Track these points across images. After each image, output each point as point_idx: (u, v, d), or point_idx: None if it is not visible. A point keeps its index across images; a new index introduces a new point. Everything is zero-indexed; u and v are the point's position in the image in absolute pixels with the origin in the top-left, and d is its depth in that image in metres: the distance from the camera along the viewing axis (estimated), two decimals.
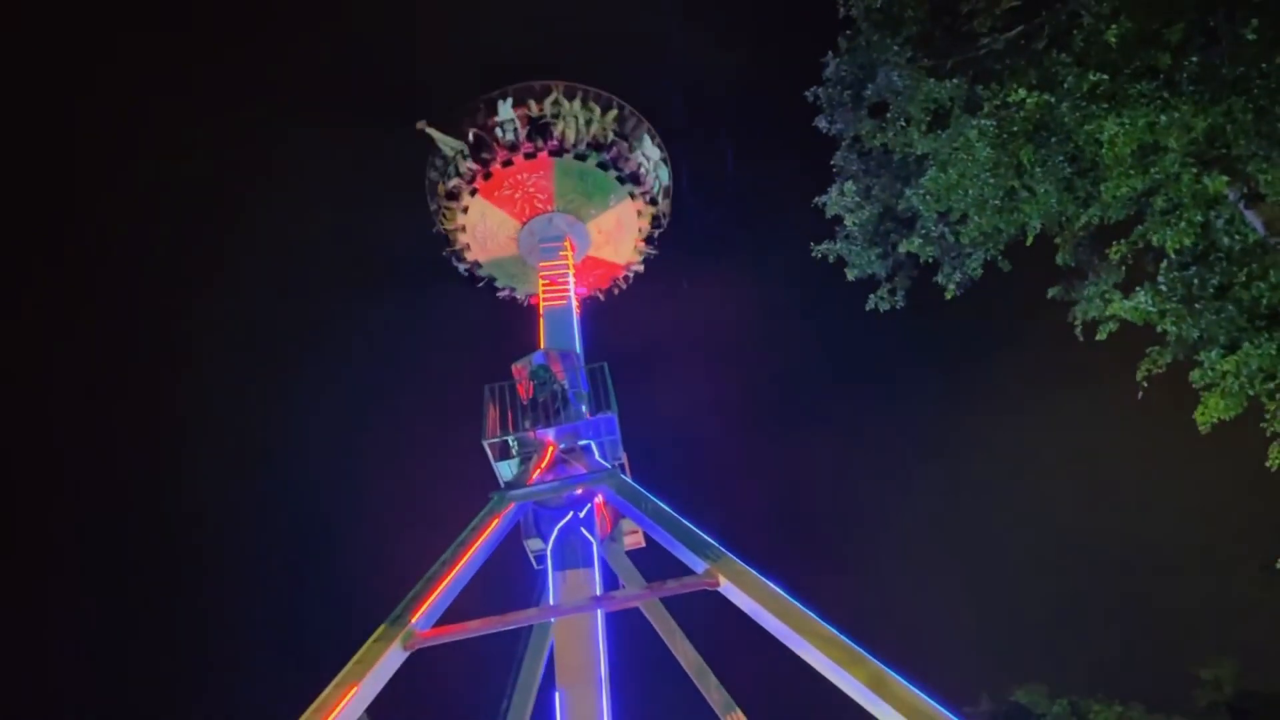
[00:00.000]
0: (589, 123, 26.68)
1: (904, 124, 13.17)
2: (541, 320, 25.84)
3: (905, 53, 13.35)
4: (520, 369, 22.71)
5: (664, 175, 28.40)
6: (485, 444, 20.98)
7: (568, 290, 26.39)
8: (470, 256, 28.63)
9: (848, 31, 14.08)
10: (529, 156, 26.26)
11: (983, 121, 11.48)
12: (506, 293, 30.22)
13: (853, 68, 13.97)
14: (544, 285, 26.61)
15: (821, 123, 14.67)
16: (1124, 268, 13.29)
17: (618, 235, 28.86)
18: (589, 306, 29.01)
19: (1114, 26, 10.46)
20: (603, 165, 26.81)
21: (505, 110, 26.52)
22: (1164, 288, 11.27)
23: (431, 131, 26.46)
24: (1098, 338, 14.04)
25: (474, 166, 26.47)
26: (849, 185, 14.79)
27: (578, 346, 24.70)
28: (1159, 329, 11.61)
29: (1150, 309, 11.30)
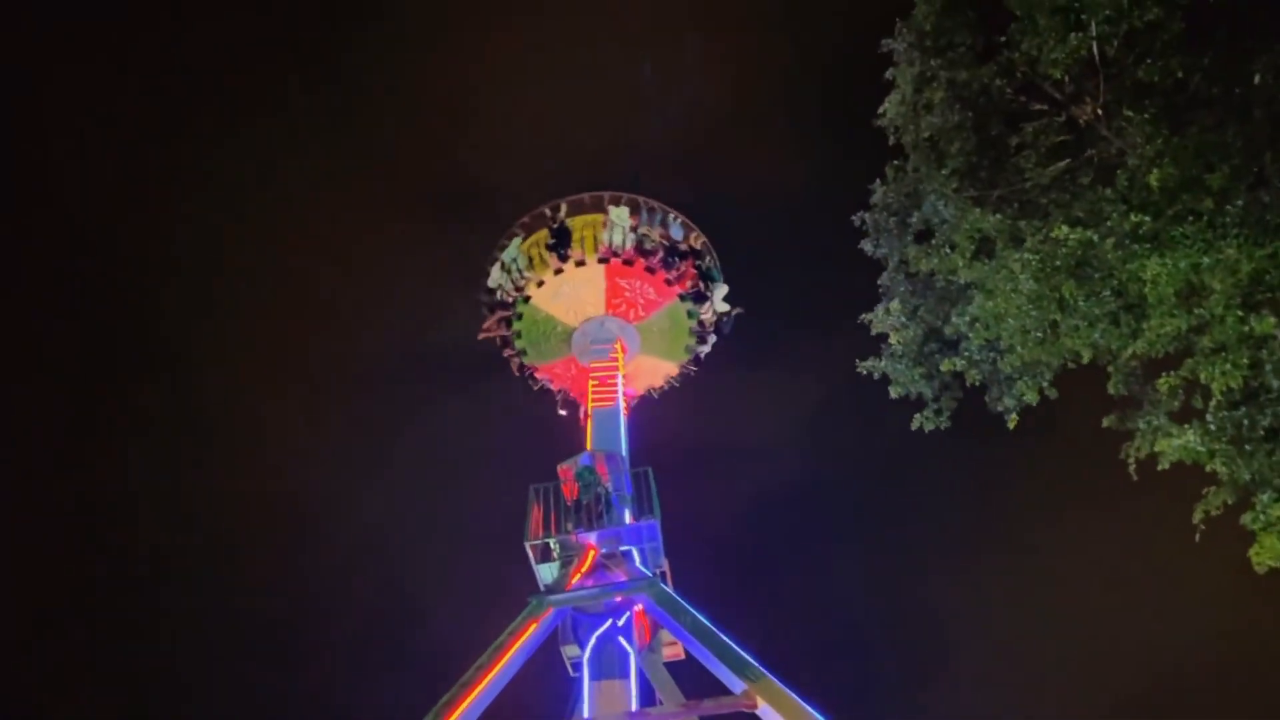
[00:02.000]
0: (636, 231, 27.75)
1: (949, 250, 13.39)
2: (589, 421, 26.16)
3: (951, 183, 13.67)
4: (566, 469, 22.90)
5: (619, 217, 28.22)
6: (527, 545, 21.07)
7: (616, 391, 26.76)
8: (532, 294, 28.43)
9: (895, 161, 14.51)
10: (669, 284, 27.66)
11: (1025, 255, 11.65)
12: (559, 393, 30.67)
13: (899, 195, 14.34)
14: (594, 385, 27.03)
15: (867, 246, 15.00)
16: (1177, 400, 13.12)
17: (643, 379, 29.69)
18: (636, 410, 29.25)
19: (1156, 171, 10.65)
20: (693, 334, 28.69)
21: (678, 231, 27.95)
22: (1213, 427, 11.10)
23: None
24: (1159, 468, 13.74)
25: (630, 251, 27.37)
26: (895, 305, 14.99)
27: (624, 449, 24.86)
28: (1208, 469, 11.39)
29: (1200, 449, 11.12)
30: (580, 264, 27.31)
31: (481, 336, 28.86)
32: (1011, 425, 14.30)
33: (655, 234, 27.80)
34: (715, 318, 29.10)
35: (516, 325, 28.29)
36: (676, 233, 28.05)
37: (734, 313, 29.00)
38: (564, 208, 27.65)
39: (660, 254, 27.50)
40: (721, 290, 28.55)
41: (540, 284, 27.71)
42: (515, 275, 27.56)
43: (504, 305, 28.09)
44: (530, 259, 27.72)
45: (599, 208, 27.80)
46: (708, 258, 28.96)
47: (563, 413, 29.89)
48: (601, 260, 27.35)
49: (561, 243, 27.13)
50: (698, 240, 28.86)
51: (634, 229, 27.50)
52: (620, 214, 27.44)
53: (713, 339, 29.69)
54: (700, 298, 28.41)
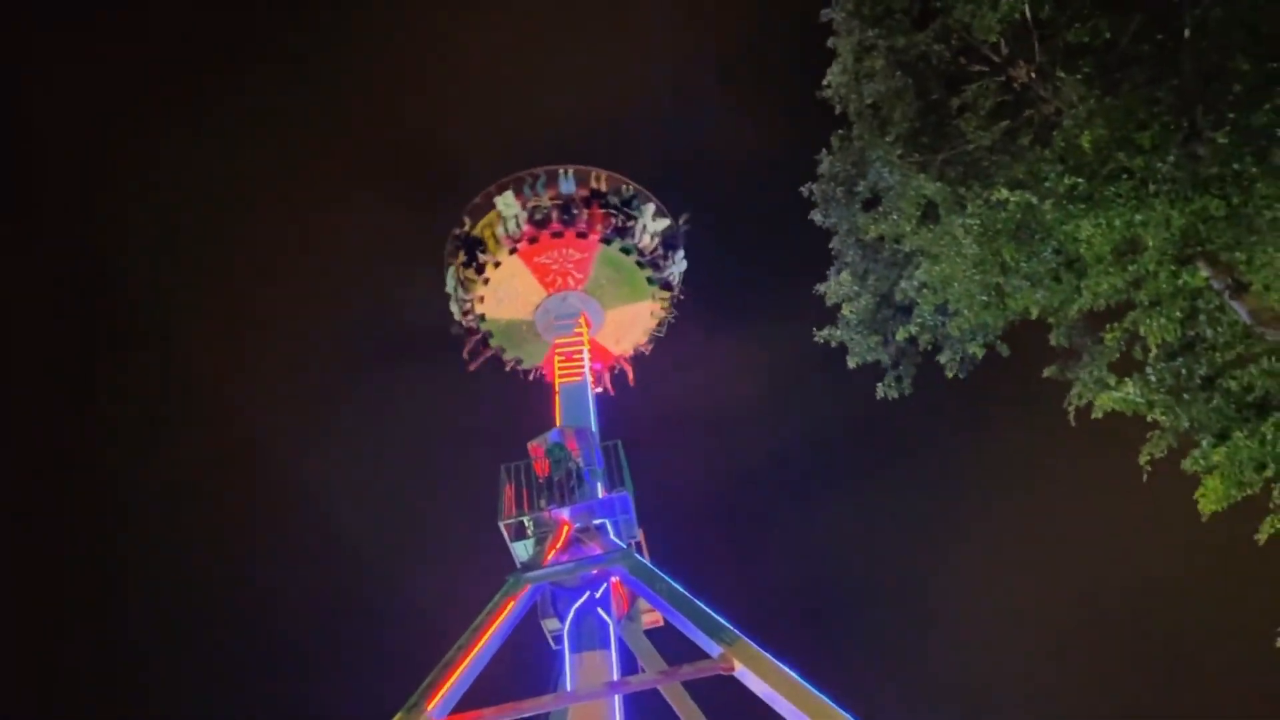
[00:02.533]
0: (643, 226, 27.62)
1: (895, 217, 13.63)
2: (557, 397, 26.31)
3: (896, 149, 13.87)
4: (537, 447, 23.06)
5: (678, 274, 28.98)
6: (501, 524, 21.29)
7: (583, 367, 26.89)
8: (482, 310, 28.69)
9: (839, 131, 14.66)
10: (581, 236, 27.10)
11: (967, 220, 11.90)
12: (513, 363, 30.74)
13: (845, 164, 14.51)
14: (560, 361, 27.14)
15: (817, 216, 15.19)
16: (1118, 351, 13.56)
17: (629, 330, 29.72)
18: (600, 382, 29.41)
19: (1088, 132, 10.90)
20: (644, 265, 27.91)
21: (568, 185, 27.46)
22: (1153, 378, 11.50)
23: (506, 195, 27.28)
24: (1093, 416, 14.25)
25: (529, 229, 27.12)
26: (845, 275, 15.24)
27: (593, 423, 25.06)
28: (1149, 418, 11.82)
29: (1139, 400, 11.54)
30: (497, 265, 27.38)
31: (473, 368, 29.16)
32: (950, 375, 14.79)
33: (545, 199, 27.41)
34: (657, 238, 28.34)
35: (494, 342, 28.51)
36: (567, 187, 27.44)
37: (682, 221, 28.55)
38: (466, 221, 27.69)
39: (554, 215, 27.16)
40: (649, 209, 27.85)
41: (482, 299, 27.94)
42: (461, 300, 27.81)
43: (471, 331, 28.21)
44: (461, 280, 27.92)
45: (489, 203, 27.62)
46: (615, 192, 28.02)
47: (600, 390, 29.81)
48: (511, 251, 27.39)
49: (472, 253, 27.23)
50: (600, 180, 27.92)
51: (524, 207, 27.31)
52: (506, 200, 27.16)
53: (676, 259, 28.99)
54: (623, 232, 27.72)
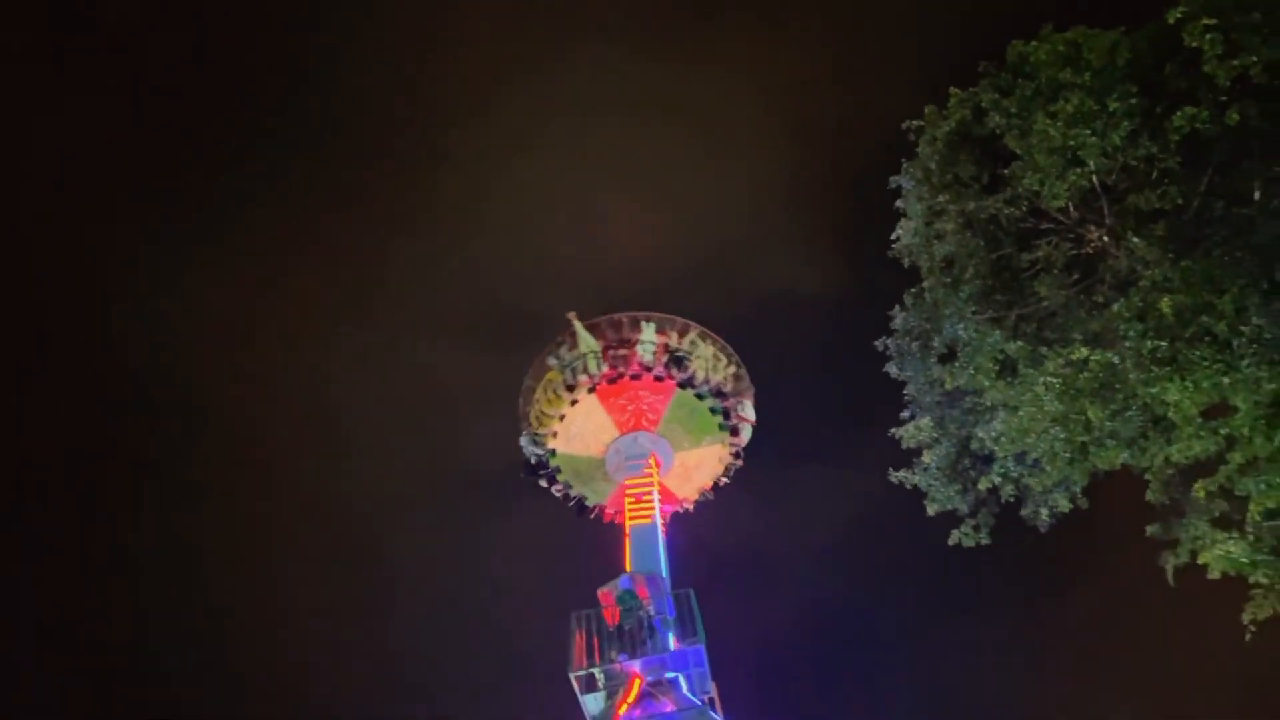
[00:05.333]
0: (714, 369, 28.42)
1: (973, 371, 13.72)
2: (627, 539, 26.13)
3: (969, 306, 14.10)
4: (607, 594, 22.77)
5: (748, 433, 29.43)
6: (572, 676, 20.84)
7: (653, 506, 26.78)
8: (553, 444, 29.36)
9: (912, 289, 15.01)
10: (659, 379, 27.84)
11: (1048, 379, 11.95)
12: (575, 500, 30.81)
13: (919, 319, 14.78)
14: (630, 503, 27.10)
15: (892, 369, 15.37)
16: (1215, 507, 13.13)
17: (696, 473, 29.84)
18: (671, 527, 29.25)
19: (1167, 297, 11.00)
20: (715, 410, 28.32)
21: (649, 333, 28.39)
22: (1253, 538, 11.14)
23: (577, 324, 28.19)
24: (1210, 576, 13.60)
25: (606, 369, 27.90)
26: (925, 420, 15.24)
27: (664, 568, 24.75)
28: (1251, 580, 11.37)
29: (1243, 560, 11.14)
30: (574, 403, 28.04)
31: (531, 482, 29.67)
32: (1042, 529, 14.55)
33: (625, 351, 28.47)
34: (728, 379, 29.03)
35: (561, 478, 28.92)
36: (648, 335, 28.33)
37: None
38: (563, 355, 28.56)
39: (634, 361, 28.06)
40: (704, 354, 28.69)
41: (555, 435, 28.40)
42: (536, 436, 28.46)
43: (543, 467, 28.62)
44: (538, 416, 28.62)
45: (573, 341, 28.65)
46: (684, 340, 28.83)
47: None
48: (590, 390, 27.97)
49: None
50: (678, 333, 28.86)
51: (606, 349, 28.36)
52: (588, 341, 28.28)
53: (745, 408, 29.42)
54: (691, 382, 28.33)
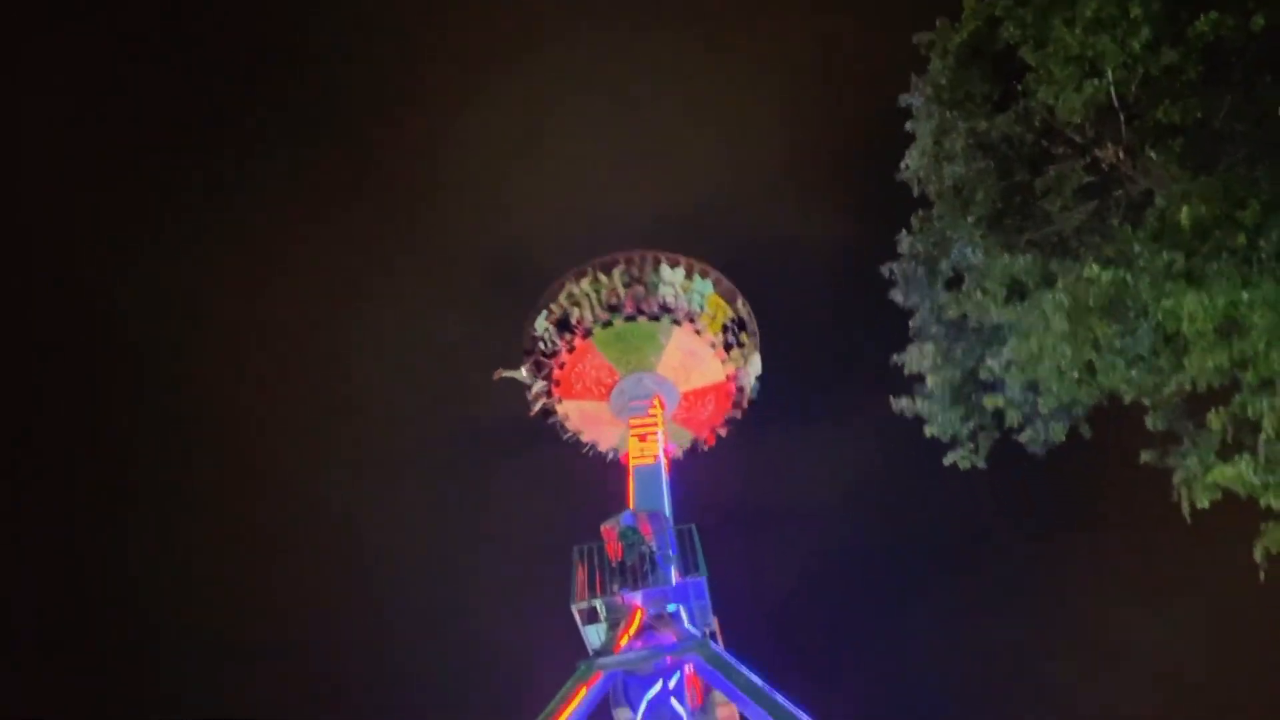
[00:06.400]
0: (598, 292, 28.31)
1: (980, 295, 13.41)
2: (630, 479, 26.20)
3: (979, 230, 13.75)
4: (609, 529, 22.87)
5: (705, 288, 29.12)
6: (573, 608, 21.02)
7: (657, 449, 26.80)
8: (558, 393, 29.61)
9: (920, 211, 14.64)
10: (571, 350, 28.38)
11: (1058, 296, 11.65)
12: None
13: (926, 244, 14.43)
14: (634, 443, 27.13)
15: (897, 296, 15.05)
16: (1224, 435, 12.90)
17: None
18: (677, 467, 29.27)
19: (1186, 208, 10.66)
20: (628, 319, 28.28)
21: (540, 324, 28.94)
22: (1264, 459, 10.91)
23: (509, 374, 29.19)
24: (1199, 505, 13.47)
25: (544, 382, 29.03)
26: (929, 346, 14.93)
27: (667, 507, 24.82)
28: (1263, 503, 11.16)
29: (1254, 480, 10.91)
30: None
31: (535, 412, 29.57)
32: (1031, 452, 14.42)
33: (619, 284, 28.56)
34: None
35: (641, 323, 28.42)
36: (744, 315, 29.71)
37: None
38: (747, 309, 29.77)
39: (739, 416, 30.00)
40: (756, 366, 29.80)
41: (699, 333, 28.46)
42: (694, 304, 28.45)
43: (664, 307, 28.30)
44: (713, 314, 28.78)
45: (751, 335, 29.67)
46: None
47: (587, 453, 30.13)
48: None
49: (734, 337, 29.02)
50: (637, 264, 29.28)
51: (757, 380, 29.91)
52: (758, 365, 29.81)
53: (752, 363, 30.20)
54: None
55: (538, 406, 29.35)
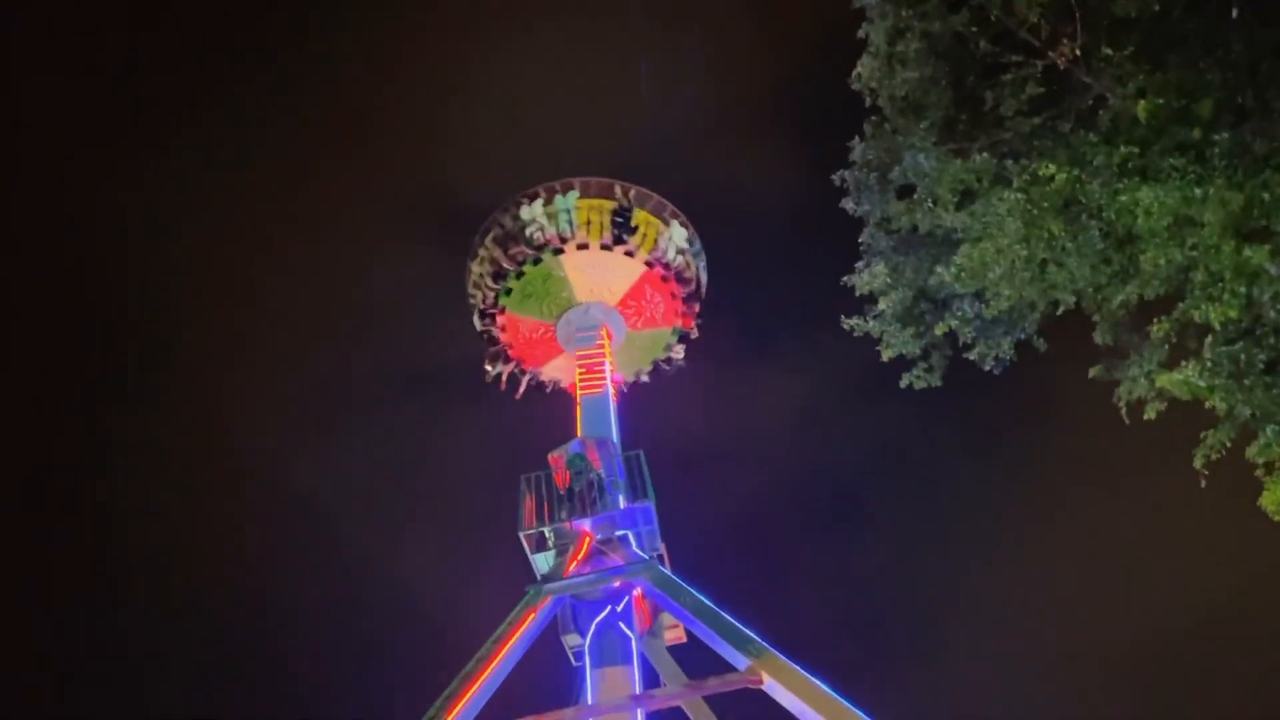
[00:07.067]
0: (484, 264, 27.82)
1: (932, 204, 13.18)
2: (579, 408, 25.85)
3: (930, 136, 13.45)
4: (557, 458, 22.57)
5: (567, 203, 27.48)
6: (521, 535, 20.78)
7: (605, 378, 26.43)
8: (506, 303, 28.52)
9: (873, 117, 14.27)
10: (629, 255, 27.14)
11: (1013, 194, 11.44)
12: (550, 384, 30.31)
13: (879, 151, 14.10)
14: (581, 373, 26.71)
15: (848, 204, 14.77)
16: (1167, 346, 12.97)
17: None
18: (625, 398, 28.89)
19: (1143, 102, 10.45)
20: (518, 275, 27.34)
21: (679, 236, 27.81)
22: (1210, 363, 10.93)
23: (495, 372, 28.81)
24: (1145, 418, 13.61)
25: (512, 363, 28.55)
26: (879, 265, 14.75)
27: (615, 435, 24.56)
28: (1208, 405, 11.22)
29: (1199, 383, 10.93)
30: (537, 262, 27.05)
31: (491, 378, 28.95)
32: (986, 368, 14.35)
33: (695, 268, 28.14)
34: (683, 254, 28.55)
35: (529, 268, 27.24)
36: (703, 275, 28.53)
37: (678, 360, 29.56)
38: (632, 192, 27.48)
39: (691, 287, 28.13)
40: (676, 226, 28.39)
41: (583, 247, 26.90)
42: (560, 224, 26.77)
43: (535, 246, 26.90)
44: (587, 221, 27.03)
45: (660, 214, 27.85)
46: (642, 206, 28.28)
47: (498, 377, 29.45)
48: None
49: (624, 225, 26.92)
50: (628, 195, 28.05)
51: (681, 252, 27.78)
52: (680, 234, 27.76)
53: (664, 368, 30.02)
54: (684, 338, 29.08)
55: (523, 388, 29.29)
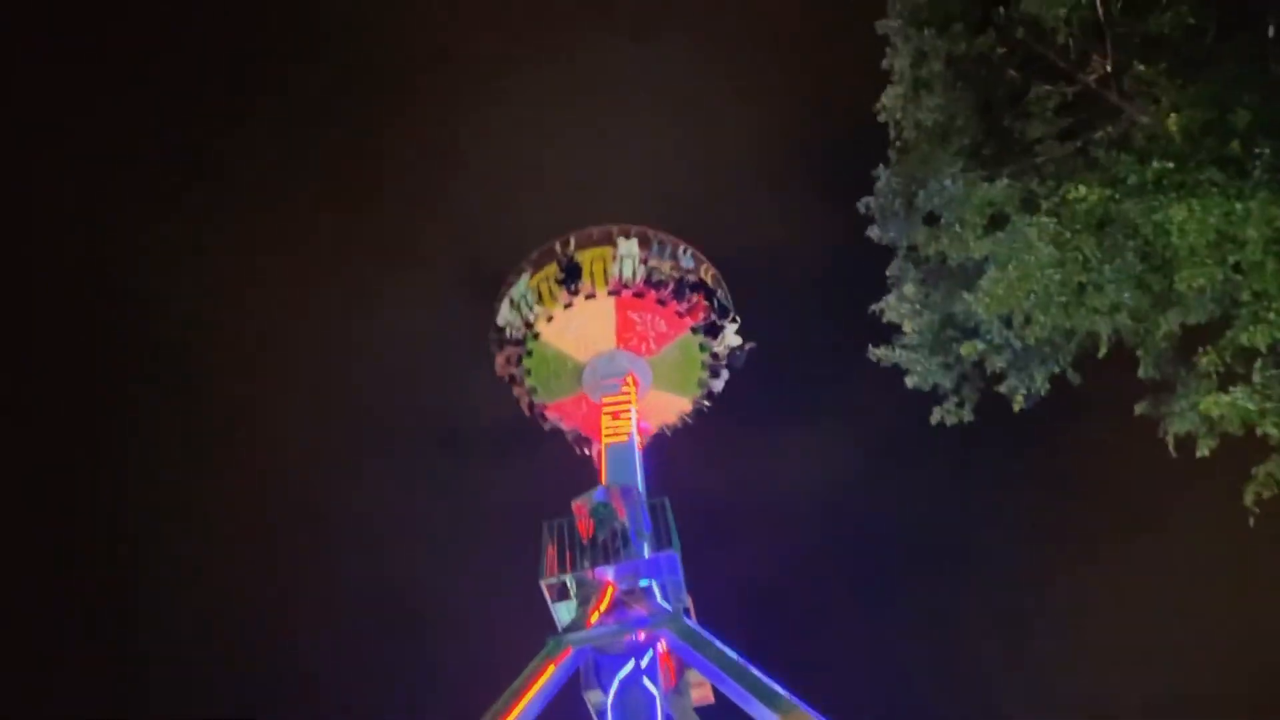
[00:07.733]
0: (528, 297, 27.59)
1: (959, 229, 12.72)
2: (603, 457, 25.39)
3: (957, 163, 13.08)
4: (581, 506, 22.04)
5: (629, 249, 27.72)
6: (542, 584, 20.17)
7: (630, 425, 26.01)
8: (540, 329, 28.19)
9: (898, 143, 13.96)
10: (679, 315, 27.32)
11: (1041, 219, 10.96)
12: (569, 433, 29.97)
13: (904, 177, 13.74)
14: (606, 421, 26.33)
15: (874, 232, 14.38)
16: (1214, 377, 12.26)
17: (657, 414, 28.91)
18: (650, 449, 28.35)
19: (1175, 115, 10.00)
20: (706, 370, 28.02)
21: (688, 261, 27.69)
22: (1261, 386, 10.23)
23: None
24: (1198, 455, 12.82)
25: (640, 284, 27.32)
26: (908, 288, 14.25)
27: (640, 484, 24.00)
28: (1260, 432, 10.47)
29: (1250, 407, 10.22)
30: (590, 297, 26.91)
31: (501, 374, 28.58)
32: (1016, 409, 13.58)
33: (666, 266, 27.54)
34: (728, 351, 28.56)
35: (527, 363, 27.74)
36: (687, 264, 27.78)
37: (747, 347, 28.52)
38: (572, 242, 27.45)
39: (671, 286, 27.24)
40: (733, 325, 28.15)
41: (550, 319, 27.22)
42: (525, 311, 27.12)
43: (514, 343, 27.57)
44: (539, 294, 27.32)
45: (608, 241, 27.52)
46: (719, 292, 28.45)
47: (586, 453, 29.11)
48: (612, 293, 26.94)
49: (571, 277, 26.81)
50: (709, 273, 28.49)
51: (644, 261, 27.26)
52: (630, 246, 27.22)
53: (725, 374, 29.08)
54: (713, 330, 27.98)
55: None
